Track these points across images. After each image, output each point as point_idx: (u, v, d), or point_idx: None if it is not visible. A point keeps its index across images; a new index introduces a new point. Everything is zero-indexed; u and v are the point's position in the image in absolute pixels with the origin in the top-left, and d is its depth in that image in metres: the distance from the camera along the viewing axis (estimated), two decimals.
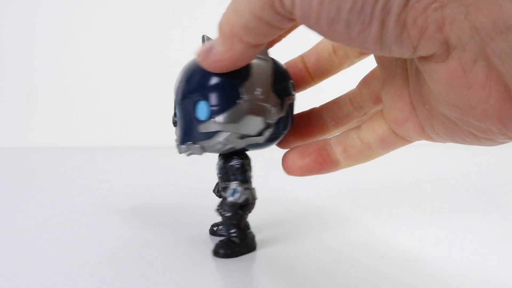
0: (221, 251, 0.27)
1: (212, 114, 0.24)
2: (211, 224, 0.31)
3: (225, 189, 0.27)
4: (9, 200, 0.41)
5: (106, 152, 0.69)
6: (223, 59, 0.21)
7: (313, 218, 0.35)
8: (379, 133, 0.24)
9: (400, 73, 0.22)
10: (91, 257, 0.27)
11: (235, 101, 0.24)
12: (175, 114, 0.27)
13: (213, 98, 0.24)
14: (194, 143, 0.25)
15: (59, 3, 0.74)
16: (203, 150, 0.25)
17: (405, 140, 0.23)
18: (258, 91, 0.24)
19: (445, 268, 0.26)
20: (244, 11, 0.18)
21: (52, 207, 0.38)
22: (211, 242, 0.29)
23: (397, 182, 0.50)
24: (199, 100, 0.24)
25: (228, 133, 0.24)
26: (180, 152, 0.26)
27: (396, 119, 0.22)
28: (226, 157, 0.26)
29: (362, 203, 0.40)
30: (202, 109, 0.24)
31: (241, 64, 0.22)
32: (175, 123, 0.27)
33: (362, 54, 0.26)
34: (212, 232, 0.31)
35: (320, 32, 0.17)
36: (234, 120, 0.24)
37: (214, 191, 0.30)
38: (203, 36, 0.25)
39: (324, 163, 0.25)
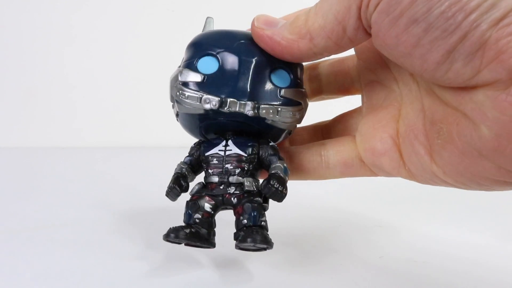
0: (268, 239, 0.21)
1: (297, 85, 0.24)
2: (173, 227, 0.23)
3: (250, 173, 0.23)
4: (9, 200, 0.41)
5: (106, 152, 0.69)
6: (281, 44, 0.21)
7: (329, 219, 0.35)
8: (344, 156, 0.24)
9: (389, 107, 0.22)
10: (91, 257, 0.27)
11: (303, 87, 0.24)
12: (191, 65, 0.23)
13: (298, 72, 0.24)
14: (271, 105, 0.22)
15: (59, 3, 0.74)
16: (276, 114, 0.23)
17: (370, 171, 0.23)
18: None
19: (446, 268, 0.26)
20: (328, 12, 0.19)
21: (52, 207, 0.38)
22: (218, 240, 0.29)
23: (404, 180, 0.49)
24: (280, 68, 0.23)
25: (302, 108, 0.24)
26: (239, 110, 0.22)
27: (373, 149, 0.22)
28: (257, 141, 0.24)
29: (363, 201, 0.40)
30: (282, 76, 0.23)
31: (289, 59, 0.22)
32: (207, 76, 0.23)
33: (337, 93, 0.27)
34: (193, 235, 0.22)
35: (388, 34, 0.17)
36: (307, 99, 0.25)
37: (183, 190, 0.24)
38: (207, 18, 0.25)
39: None
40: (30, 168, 0.59)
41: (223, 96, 0.22)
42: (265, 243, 0.21)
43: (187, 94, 0.22)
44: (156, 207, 0.38)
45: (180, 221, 0.25)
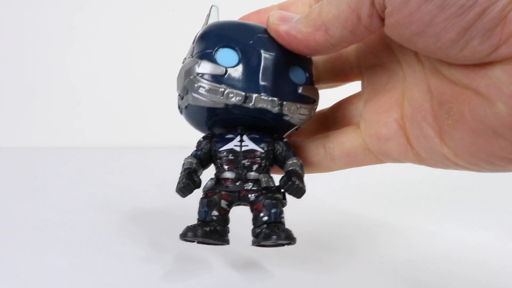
0: (292, 235, 0.22)
1: (312, 82, 0.24)
2: (190, 226, 0.22)
3: (266, 169, 0.23)
4: (10, 200, 0.41)
5: (107, 152, 0.69)
6: (297, 38, 0.21)
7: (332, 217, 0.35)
8: (347, 147, 0.23)
9: (393, 91, 0.22)
10: (91, 257, 0.27)
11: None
12: (209, 57, 0.22)
13: (310, 70, 0.24)
14: (293, 102, 0.22)
15: (61, 3, 0.74)
16: (297, 112, 0.22)
17: (376, 159, 0.23)
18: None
19: (446, 268, 0.26)
20: (341, 1, 0.19)
21: (52, 207, 0.38)
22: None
23: (404, 180, 0.50)
24: (296, 65, 0.23)
25: (316, 105, 0.24)
26: (265, 106, 0.22)
27: (378, 135, 0.22)
28: (271, 137, 0.24)
29: (364, 201, 0.40)
30: (299, 74, 0.23)
31: (306, 52, 0.22)
32: (226, 72, 0.22)
33: (335, 81, 0.26)
34: (212, 233, 0.22)
35: (401, 13, 0.17)
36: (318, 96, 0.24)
37: (197, 186, 0.23)
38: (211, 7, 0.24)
39: None
40: (30, 168, 0.59)
41: (247, 91, 0.21)
42: (290, 239, 0.21)
43: (207, 87, 0.21)
44: (156, 207, 0.38)
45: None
